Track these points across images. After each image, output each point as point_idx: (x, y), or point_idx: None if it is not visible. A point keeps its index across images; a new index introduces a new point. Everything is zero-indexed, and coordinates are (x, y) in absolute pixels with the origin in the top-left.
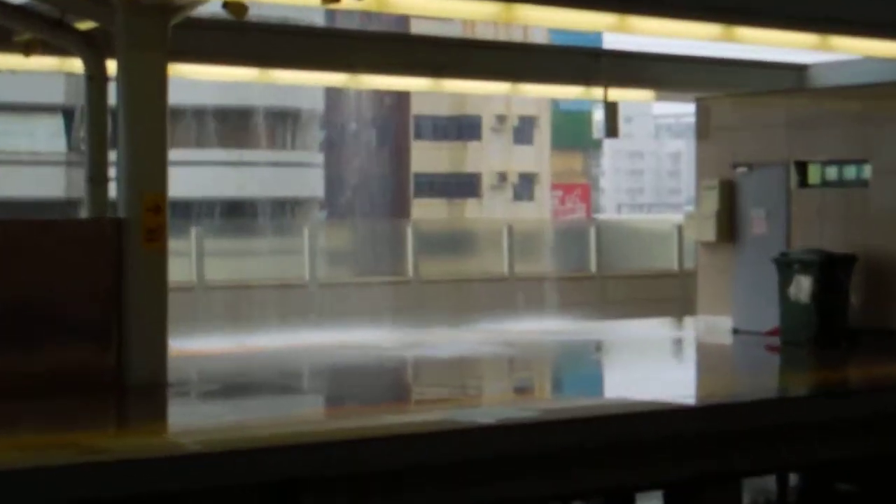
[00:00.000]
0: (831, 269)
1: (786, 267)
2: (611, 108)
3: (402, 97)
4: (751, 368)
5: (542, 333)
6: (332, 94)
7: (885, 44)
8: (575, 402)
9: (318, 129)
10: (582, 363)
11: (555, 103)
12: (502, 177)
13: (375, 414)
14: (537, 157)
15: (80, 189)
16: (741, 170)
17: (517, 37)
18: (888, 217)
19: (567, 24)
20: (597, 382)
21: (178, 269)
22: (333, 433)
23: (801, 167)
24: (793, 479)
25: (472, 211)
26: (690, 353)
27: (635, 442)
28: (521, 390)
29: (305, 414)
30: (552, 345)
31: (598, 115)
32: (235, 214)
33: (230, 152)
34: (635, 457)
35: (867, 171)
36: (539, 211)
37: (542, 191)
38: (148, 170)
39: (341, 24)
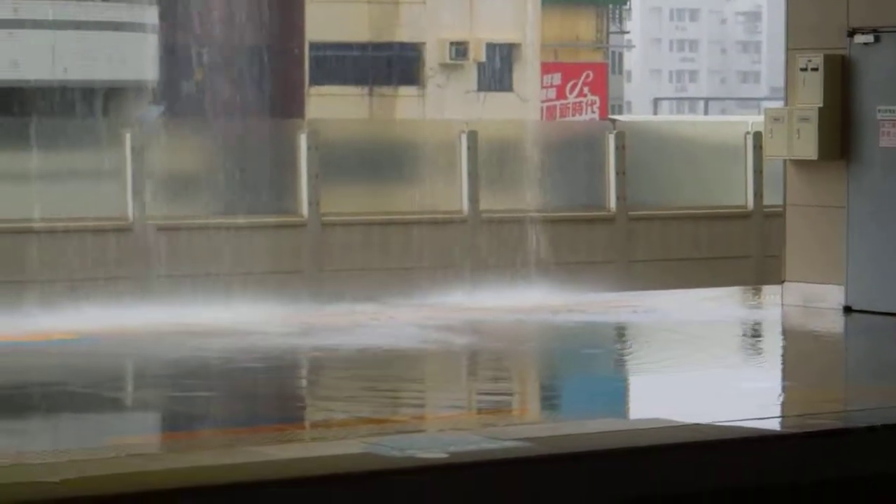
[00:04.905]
0: None
1: None
2: None
3: None
4: (876, 374)
5: (525, 312)
6: None
7: None
8: (579, 427)
9: None
10: (591, 363)
11: None
12: (460, 50)
13: (250, 444)
14: (518, 16)
15: None
16: (863, 38)
17: None
18: None
19: None
20: (618, 395)
21: None
22: (174, 477)
23: None
24: None
25: (408, 107)
26: (773, 348)
27: (678, 494)
28: (491, 406)
29: (130, 444)
30: (542, 332)
31: None
32: (2, 110)
33: None
34: None
35: None
36: (521, 108)
37: (527, 74)
38: None
39: None
